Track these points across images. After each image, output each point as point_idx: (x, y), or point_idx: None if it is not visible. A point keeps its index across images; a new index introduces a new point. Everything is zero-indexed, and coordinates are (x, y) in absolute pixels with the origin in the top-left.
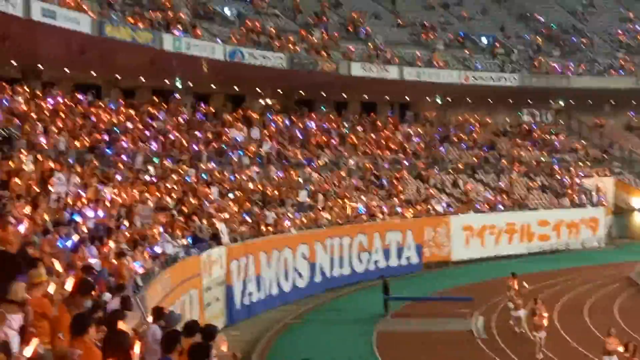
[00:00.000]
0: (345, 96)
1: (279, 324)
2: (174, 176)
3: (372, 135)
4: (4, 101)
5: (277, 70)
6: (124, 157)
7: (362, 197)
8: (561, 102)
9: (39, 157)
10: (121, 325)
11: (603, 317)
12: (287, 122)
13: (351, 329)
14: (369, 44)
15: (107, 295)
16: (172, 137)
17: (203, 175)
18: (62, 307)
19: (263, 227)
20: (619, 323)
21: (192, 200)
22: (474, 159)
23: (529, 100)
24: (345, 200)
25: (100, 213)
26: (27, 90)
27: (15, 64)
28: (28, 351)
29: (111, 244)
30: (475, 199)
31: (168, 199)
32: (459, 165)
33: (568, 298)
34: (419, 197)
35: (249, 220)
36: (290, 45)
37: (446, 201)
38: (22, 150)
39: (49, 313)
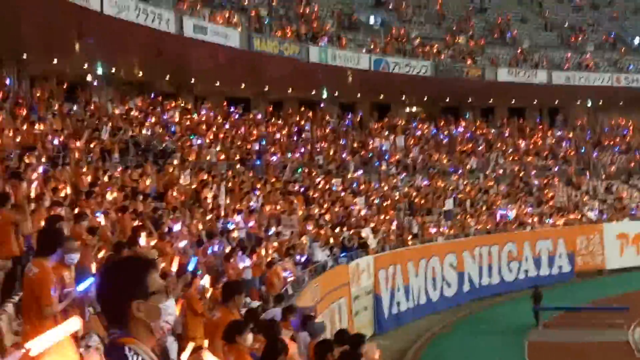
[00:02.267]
0: (491, 102)
1: (428, 334)
2: (321, 186)
3: (521, 140)
4: (159, 115)
5: (422, 77)
6: (272, 167)
7: (511, 204)
8: None
9: (192, 169)
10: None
11: None
12: (432, 129)
13: (501, 339)
14: (516, 47)
15: (254, 303)
16: (319, 147)
17: (349, 184)
18: (223, 310)
19: (409, 236)
20: None
21: (339, 210)
22: (628, 163)
23: None
24: (494, 207)
25: (251, 223)
26: (181, 104)
27: (169, 79)
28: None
29: (262, 252)
30: (630, 205)
31: (315, 208)
32: (612, 171)
33: None
34: (570, 204)
35: (396, 229)
36: (435, 52)
37: (599, 208)
38: (175, 162)
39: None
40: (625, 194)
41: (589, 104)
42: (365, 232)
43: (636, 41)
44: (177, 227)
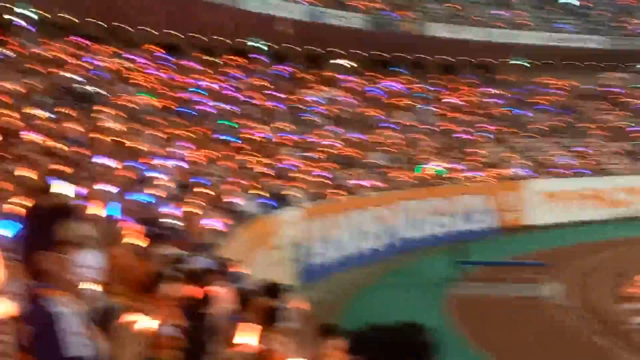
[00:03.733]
0: (425, 57)
1: (354, 286)
2: (251, 136)
3: (452, 97)
4: (87, 59)
5: (356, 30)
6: (202, 116)
7: (440, 159)
8: None
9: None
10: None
11: None
12: (366, 82)
13: (425, 292)
14: (452, 4)
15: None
16: (250, 97)
17: (280, 135)
18: (139, 258)
19: (339, 189)
20: None
21: (270, 161)
22: (556, 122)
23: (614, 63)
24: (423, 162)
25: (179, 171)
26: (110, 49)
27: (98, 22)
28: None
29: (189, 201)
30: (556, 163)
31: (246, 158)
32: (540, 129)
33: None
34: (497, 160)
35: (325, 181)
36: (370, 5)
37: (525, 165)
38: (103, 108)
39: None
40: (551, 152)
41: (521, 63)
42: (296, 191)
43: (569, 1)
44: (103, 173)
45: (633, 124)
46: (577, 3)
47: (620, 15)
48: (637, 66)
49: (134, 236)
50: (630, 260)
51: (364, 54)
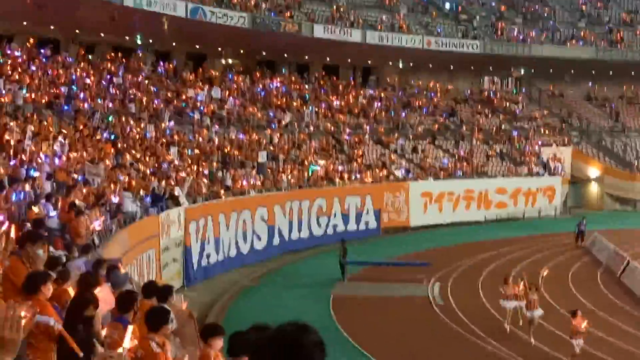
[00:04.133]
0: (307, 58)
1: (236, 287)
2: (133, 134)
3: (334, 98)
4: None
5: (239, 29)
6: (82, 113)
7: (322, 160)
8: (522, 71)
9: None
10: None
11: (557, 285)
12: (248, 82)
13: (308, 293)
14: (333, 5)
15: (58, 252)
16: (132, 95)
17: (162, 134)
18: (14, 259)
19: (222, 189)
20: (572, 291)
21: (151, 159)
22: (434, 124)
23: (490, 68)
24: (306, 163)
25: (57, 170)
26: None
27: None
28: None
29: (68, 200)
30: (434, 164)
31: (126, 156)
32: (419, 131)
33: (522, 266)
34: (379, 162)
35: (208, 181)
36: (253, 4)
37: (406, 167)
38: None
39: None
40: (430, 154)
41: (400, 66)
42: (177, 191)
43: (447, 5)
44: None
45: (509, 127)
46: (456, 8)
47: (497, 21)
48: (513, 70)
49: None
50: (509, 260)
51: (247, 53)
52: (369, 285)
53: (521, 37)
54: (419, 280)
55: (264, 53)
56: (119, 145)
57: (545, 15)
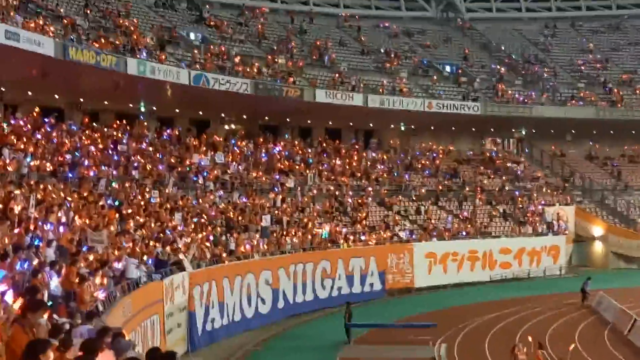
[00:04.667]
0: (309, 122)
1: (241, 351)
2: (136, 200)
3: (337, 161)
4: None
5: (241, 95)
6: (86, 180)
7: (326, 223)
8: (523, 131)
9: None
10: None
11: (564, 345)
12: (251, 147)
13: (313, 356)
14: (335, 71)
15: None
16: (135, 161)
17: (166, 199)
18: (16, 328)
19: (225, 253)
20: (581, 352)
21: (155, 225)
22: (437, 185)
23: (491, 129)
24: (309, 226)
25: (61, 237)
26: None
27: None
28: None
29: (73, 267)
30: (438, 226)
31: (130, 223)
32: (422, 192)
33: (529, 326)
34: (382, 223)
35: (212, 245)
36: (255, 71)
37: (409, 228)
38: None
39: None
40: (433, 215)
41: (402, 128)
42: (182, 256)
43: (447, 69)
44: None
45: (511, 188)
46: (455, 70)
47: (496, 83)
48: (513, 131)
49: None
50: (515, 320)
51: (250, 119)
52: (375, 347)
53: (521, 99)
54: (426, 342)
55: (266, 118)
56: (124, 211)
57: (545, 76)
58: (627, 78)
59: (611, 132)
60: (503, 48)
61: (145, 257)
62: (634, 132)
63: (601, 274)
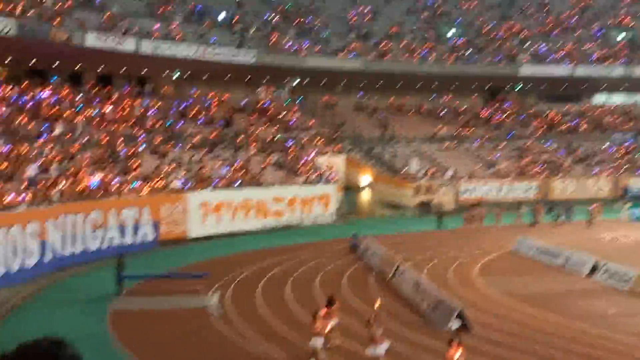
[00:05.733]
0: (79, 67)
1: (6, 306)
2: None
3: (108, 108)
4: None
5: (4, 37)
6: None
7: (97, 172)
8: (296, 81)
9: None
10: None
11: (333, 288)
12: (17, 91)
13: (84, 309)
14: (105, 13)
15: None
16: None
17: None
18: None
19: None
20: (349, 293)
21: None
22: (211, 134)
23: (265, 78)
24: (79, 175)
25: None
26: None
27: None
28: None
29: None
30: (212, 175)
31: None
32: (196, 141)
33: (301, 272)
34: (156, 173)
35: None
36: (20, 11)
37: (184, 177)
38: None
39: None
40: (208, 164)
41: (176, 75)
42: None
43: (221, 16)
44: None
45: (283, 137)
46: (229, 18)
47: (271, 32)
48: (287, 81)
49: None
50: (286, 269)
51: (15, 62)
52: (147, 299)
53: (294, 49)
54: (197, 292)
55: (33, 61)
56: None
57: (317, 27)
58: (395, 31)
59: (379, 83)
60: None
61: None
62: (400, 83)
63: (369, 220)
